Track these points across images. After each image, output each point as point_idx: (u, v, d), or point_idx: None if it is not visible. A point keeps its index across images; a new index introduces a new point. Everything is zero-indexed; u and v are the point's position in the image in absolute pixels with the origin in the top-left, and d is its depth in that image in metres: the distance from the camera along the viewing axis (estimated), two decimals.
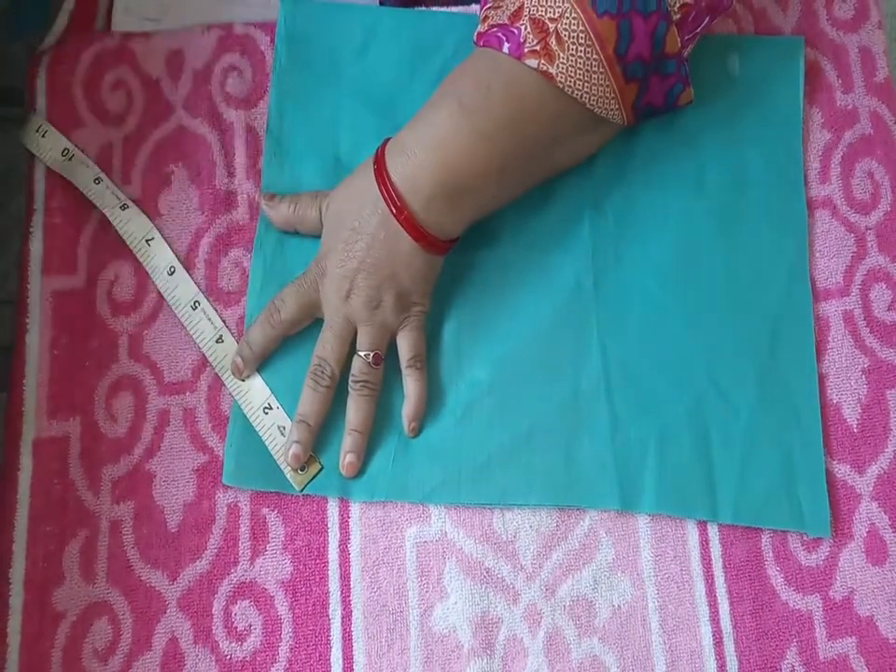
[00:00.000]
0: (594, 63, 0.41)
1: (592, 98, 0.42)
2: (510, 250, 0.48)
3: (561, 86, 0.41)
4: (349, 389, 0.45)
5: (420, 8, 0.52)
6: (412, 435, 0.45)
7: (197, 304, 0.46)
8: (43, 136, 0.48)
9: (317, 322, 0.46)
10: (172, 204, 0.48)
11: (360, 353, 0.44)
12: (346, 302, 0.44)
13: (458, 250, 0.46)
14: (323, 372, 0.44)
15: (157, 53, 0.50)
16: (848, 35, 0.52)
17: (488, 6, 0.44)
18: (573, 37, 0.40)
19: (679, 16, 0.41)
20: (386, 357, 0.45)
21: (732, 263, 0.48)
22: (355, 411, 0.44)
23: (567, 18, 0.40)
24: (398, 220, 0.43)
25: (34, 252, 0.47)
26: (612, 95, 0.42)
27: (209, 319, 0.44)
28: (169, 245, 0.47)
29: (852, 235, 0.49)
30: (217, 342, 0.44)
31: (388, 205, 0.42)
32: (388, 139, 0.44)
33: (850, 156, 0.50)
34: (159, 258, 0.47)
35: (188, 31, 0.51)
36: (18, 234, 0.48)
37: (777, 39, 0.51)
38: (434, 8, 0.52)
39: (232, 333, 0.46)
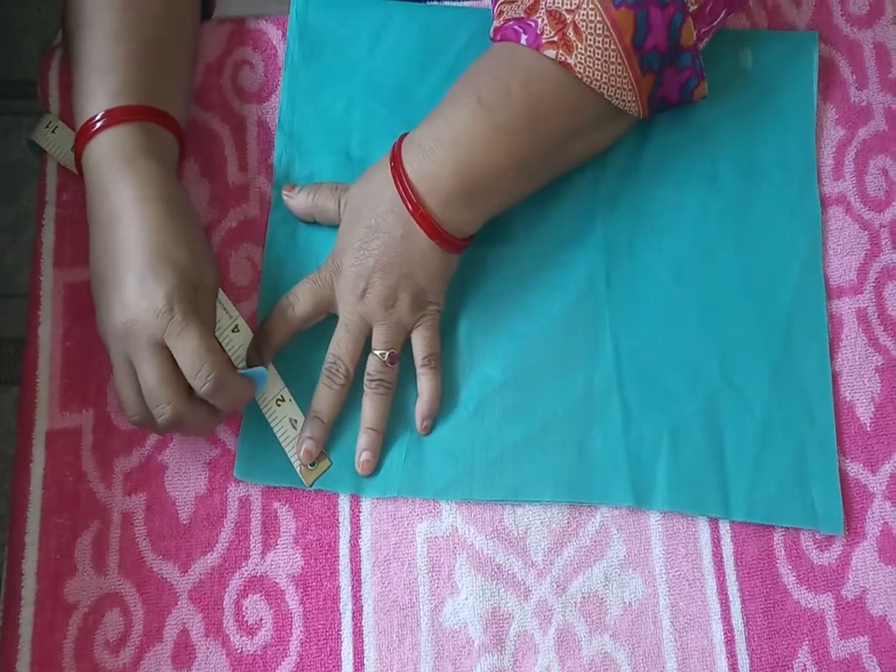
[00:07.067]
0: (611, 53, 0.40)
1: (610, 89, 0.41)
2: (522, 246, 0.48)
3: (580, 76, 0.41)
4: (364, 388, 0.44)
5: (431, 3, 0.52)
6: (424, 433, 0.45)
7: None
8: (53, 132, 0.48)
9: (332, 315, 0.46)
10: None
11: (376, 352, 0.44)
12: (362, 301, 0.44)
13: (471, 247, 0.46)
14: (338, 371, 0.44)
15: None
16: (863, 31, 0.52)
17: (502, 0, 0.44)
18: (591, 28, 0.40)
19: (696, 7, 0.41)
20: (400, 355, 0.45)
21: (745, 259, 0.47)
22: (370, 409, 0.44)
23: (585, 9, 0.40)
24: (414, 219, 0.42)
25: (46, 244, 0.47)
26: (629, 87, 0.42)
27: (225, 308, 0.44)
28: None
29: (866, 233, 0.49)
30: (233, 331, 0.44)
31: (405, 203, 0.42)
32: (404, 135, 0.44)
33: (864, 153, 0.50)
34: None
35: (200, 25, 0.50)
36: (30, 227, 0.48)
37: (790, 34, 0.51)
38: (445, 3, 0.52)
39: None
